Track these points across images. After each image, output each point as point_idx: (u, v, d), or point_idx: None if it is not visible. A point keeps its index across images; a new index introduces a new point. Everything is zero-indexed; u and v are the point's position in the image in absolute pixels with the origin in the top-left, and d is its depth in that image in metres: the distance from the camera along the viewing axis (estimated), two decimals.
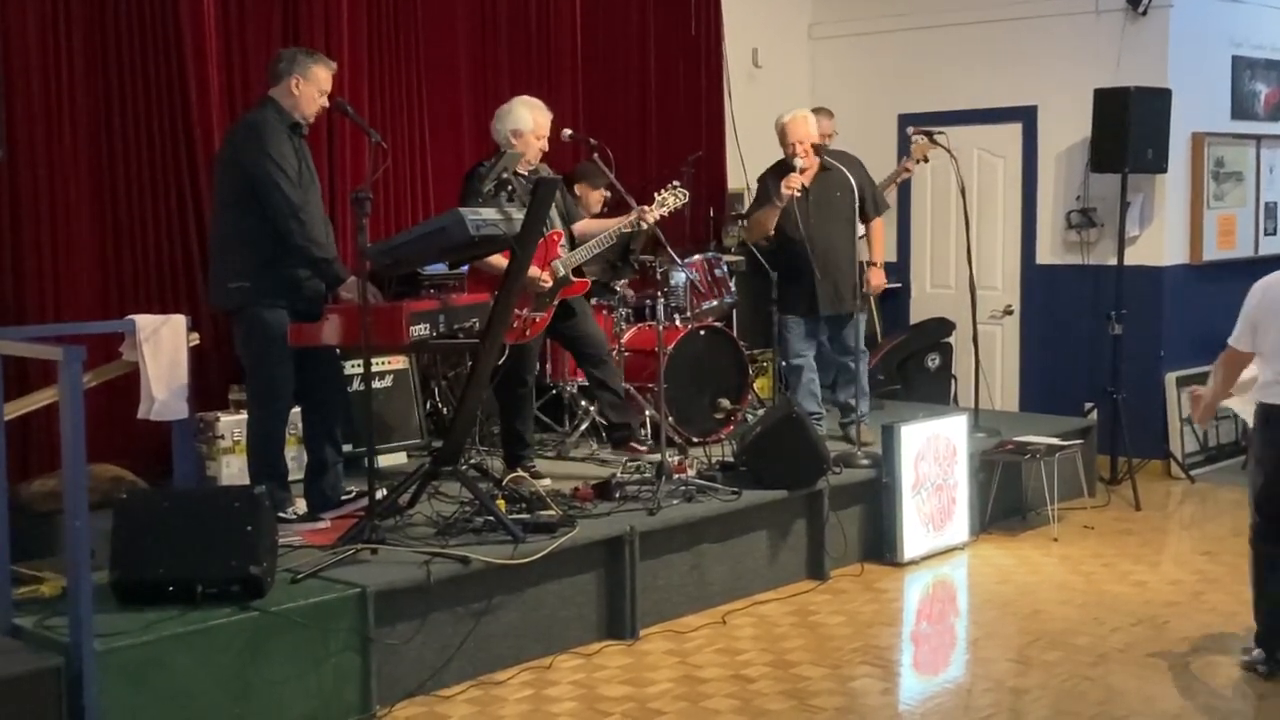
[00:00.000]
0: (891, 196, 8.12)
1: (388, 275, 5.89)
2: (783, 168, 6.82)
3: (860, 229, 6.99)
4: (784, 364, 7.10)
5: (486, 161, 5.99)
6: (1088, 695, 4.73)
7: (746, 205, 8.95)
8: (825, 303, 6.82)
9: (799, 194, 6.67)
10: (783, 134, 6.84)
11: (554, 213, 6.17)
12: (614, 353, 6.84)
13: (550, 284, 6.03)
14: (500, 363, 5.65)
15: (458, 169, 7.36)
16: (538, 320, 6.07)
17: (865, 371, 7.18)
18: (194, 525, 4.34)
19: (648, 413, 6.77)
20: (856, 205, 6.88)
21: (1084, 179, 8.41)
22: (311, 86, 5.35)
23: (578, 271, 6.27)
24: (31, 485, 5.24)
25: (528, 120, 6.08)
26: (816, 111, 7.55)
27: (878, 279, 7.06)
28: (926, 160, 7.46)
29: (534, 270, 5.85)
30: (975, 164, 8.77)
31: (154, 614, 4.17)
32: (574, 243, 6.29)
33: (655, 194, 6.41)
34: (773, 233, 6.92)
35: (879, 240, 7.14)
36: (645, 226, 6.27)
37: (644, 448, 6.45)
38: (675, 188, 6.45)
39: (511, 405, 6.19)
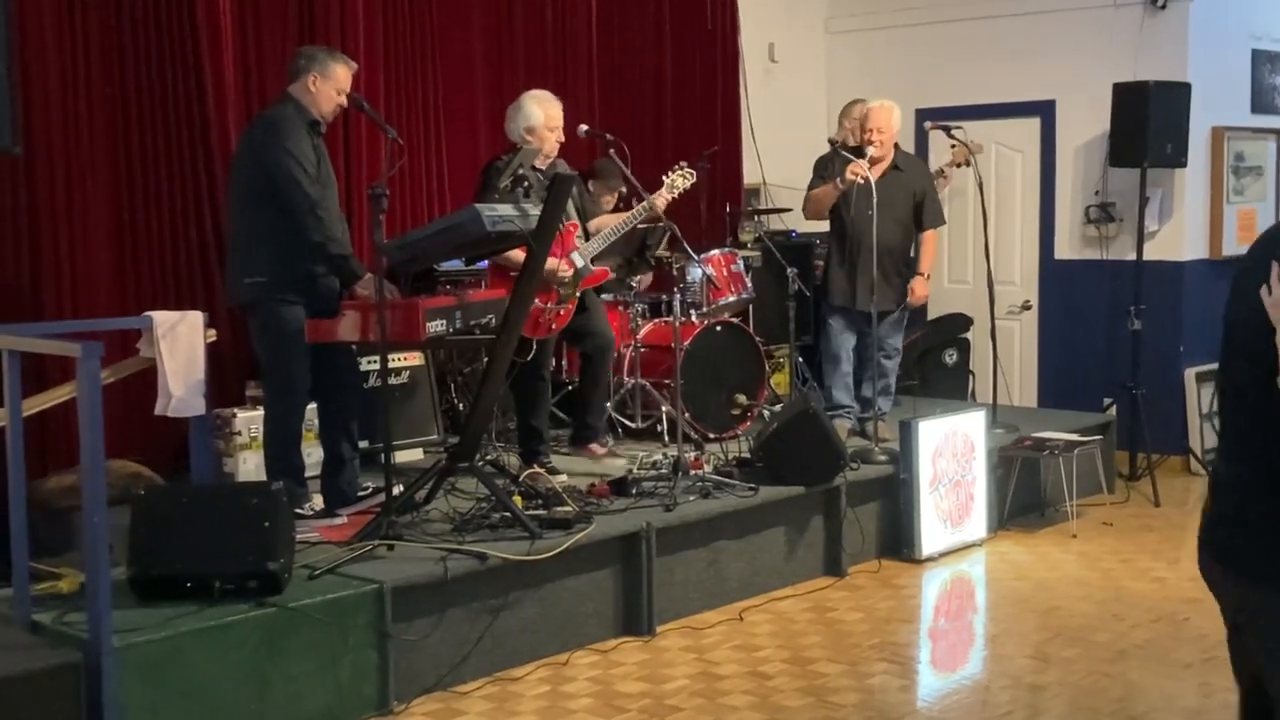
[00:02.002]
0: None
1: (404, 271, 5.90)
2: (849, 152, 6.79)
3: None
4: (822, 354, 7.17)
5: (504, 156, 5.98)
6: (1106, 692, 4.71)
7: (763, 201, 8.95)
8: (863, 297, 6.80)
9: (862, 182, 6.59)
10: (863, 119, 6.86)
11: (570, 207, 6.17)
12: (630, 348, 6.84)
13: (570, 274, 6.03)
14: (525, 359, 5.66)
15: (473, 165, 7.36)
16: (561, 314, 6.06)
17: (895, 371, 7.17)
18: (211, 521, 4.35)
19: (664, 408, 6.76)
20: (913, 211, 6.93)
21: (1103, 173, 8.37)
22: (329, 85, 5.34)
23: (595, 261, 6.27)
24: (49, 481, 5.24)
25: (538, 115, 6.08)
26: (854, 104, 7.54)
27: (922, 289, 7.03)
28: (967, 164, 7.39)
29: (552, 261, 5.86)
30: (993, 159, 8.74)
31: (171, 610, 4.17)
32: (589, 237, 6.29)
33: (663, 177, 6.39)
34: (829, 214, 6.93)
35: (929, 252, 7.11)
36: (659, 208, 6.25)
37: (602, 451, 6.41)
38: (682, 168, 6.43)
39: (528, 401, 6.19)
